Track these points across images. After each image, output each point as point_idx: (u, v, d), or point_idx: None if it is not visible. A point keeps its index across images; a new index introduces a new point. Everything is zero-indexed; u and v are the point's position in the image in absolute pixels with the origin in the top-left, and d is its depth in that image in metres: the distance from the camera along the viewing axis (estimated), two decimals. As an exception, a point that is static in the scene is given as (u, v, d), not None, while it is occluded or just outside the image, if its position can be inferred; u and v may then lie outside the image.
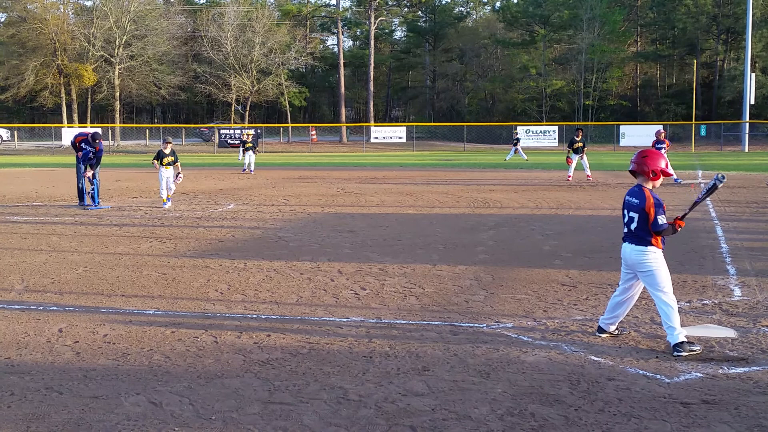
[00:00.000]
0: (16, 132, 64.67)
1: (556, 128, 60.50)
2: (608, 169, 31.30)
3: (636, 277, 6.44)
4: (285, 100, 69.82)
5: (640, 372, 5.71)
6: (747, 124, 51.69)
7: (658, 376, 5.61)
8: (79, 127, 58.89)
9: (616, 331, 6.68)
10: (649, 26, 78.71)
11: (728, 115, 63.35)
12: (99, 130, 18.45)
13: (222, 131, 61.71)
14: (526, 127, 60.23)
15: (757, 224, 14.59)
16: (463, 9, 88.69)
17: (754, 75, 51.83)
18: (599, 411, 4.95)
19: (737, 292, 8.40)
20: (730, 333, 6.70)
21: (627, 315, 6.80)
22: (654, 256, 6.24)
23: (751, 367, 5.83)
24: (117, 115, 67.64)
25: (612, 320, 6.63)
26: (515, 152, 39.54)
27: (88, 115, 67.39)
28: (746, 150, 50.69)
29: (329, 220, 15.15)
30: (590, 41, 65.46)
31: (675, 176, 22.55)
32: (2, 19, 71.91)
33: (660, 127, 26.88)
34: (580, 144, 24.84)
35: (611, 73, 68.67)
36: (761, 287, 8.58)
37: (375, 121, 74.85)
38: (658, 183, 6.41)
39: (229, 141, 59.39)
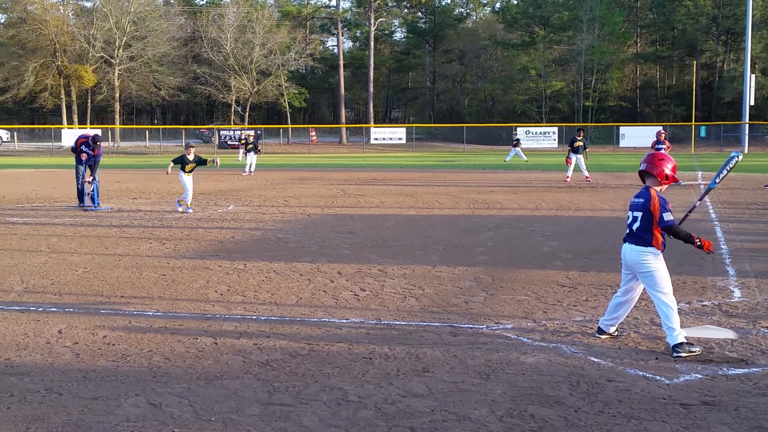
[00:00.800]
0: (15, 133, 64.71)
1: (555, 129, 60.55)
2: (608, 170, 31.32)
3: (636, 278, 6.44)
4: (285, 102, 69.86)
5: (640, 373, 5.71)
6: (747, 125, 51.71)
7: (658, 378, 5.60)
8: (79, 128, 58.95)
9: (616, 333, 6.68)
10: (648, 27, 78.75)
11: (728, 116, 63.37)
12: (100, 133, 18.43)
13: (222, 132, 61.73)
14: (525, 128, 60.26)
15: (757, 225, 14.59)
16: (462, 10, 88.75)
17: (753, 76, 51.86)
18: (599, 412, 4.94)
19: (737, 293, 8.40)
20: (730, 334, 6.69)
21: (626, 316, 6.80)
22: (653, 257, 6.24)
23: (750, 368, 5.83)
24: (117, 116, 67.67)
25: (612, 321, 6.63)
26: (514, 153, 39.54)
27: (88, 116, 67.40)
28: (746, 151, 50.67)
29: (329, 222, 15.15)
30: (590, 42, 65.51)
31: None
32: (2, 20, 71.99)
33: (660, 128, 26.89)
34: (581, 143, 24.85)
35: (611, 75, 68.72)
36: (761, 288, 8.58)
37: (375, 123, 74.86)
38: (664, 188, 6.42)
39: (229, 142, 59.43)
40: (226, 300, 8.20)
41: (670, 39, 75.81)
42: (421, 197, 20.02)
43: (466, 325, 7.10)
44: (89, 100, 68.13)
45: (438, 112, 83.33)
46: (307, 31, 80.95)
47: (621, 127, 59.37)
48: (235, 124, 68.02)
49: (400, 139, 64.18)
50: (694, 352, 6.10)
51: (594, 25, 66.62)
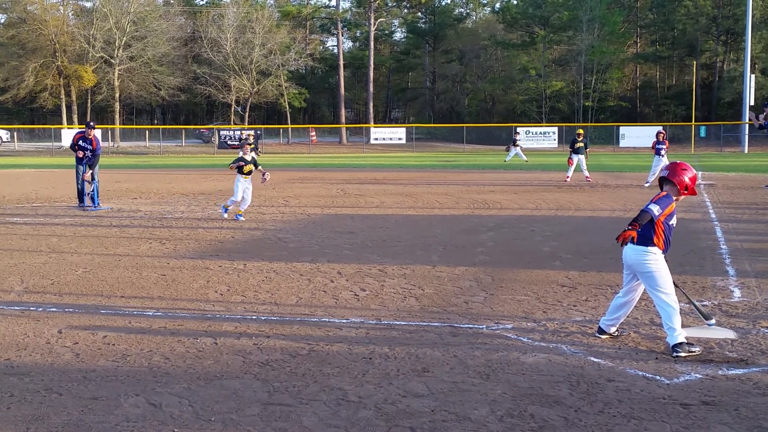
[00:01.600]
0: (15, 133, 64.70)
1: (555, 129, 60.53)
2: (608, 170, 31.31)
3: (637, 278, 6.44)
4: (285, 102, 69.85)
5: (640, 373, 5.71)
6: (747, 126, 51.68)
7: (658, 378, 5.60)
8: (78, 128, 58.93)
9: (616, 333, 6.68)
10: (648, 27, 78.75)
11: (728, 116, 63.37)
12: (91, 122, 18.25)
13: (222, 132, 61.74)
14: (525, 129, 60.24)
15: (756, 225, 14.60)
16: (462, 10, 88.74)
17: (753, 76, 51.85)
18: (599, 412, 4.94)
19: (737, 293, 8.40)
20: (730, 334, 6.69)
21: (626, 316, 6.80)
22: (654, 257, 6.24)
23: (750, 368, 5.83)
24: (117, 117, 67.66)
25: (613, 322, 6.63)
26: (514, 153, 39.54)
27: (88, 117, 67.25)
28: (746, 151, 50.72)
29: (329, 221, 15.15)
30: (590, 42, 65.51)
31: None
32: (2, 21, 71.97)
33: (660, 128, 26.91)
34: (581, 144, 24.90)
35: (611, 75, 68.70)
36: (761, 288, 8.58)
37: (375, 123, 74.87)
38: (681, 198, 6.41)
39: (229, 142, 59.43)
40: (226, 300, 8.20)
41: (670, 39, 75.81)
42: (421, 197, 20.02)
43: (466, 325, 7.11)
44: (89, 100, 68.12)
45: (438, 112, 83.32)
46: (307, 31, 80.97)
47: (621, 127, 59.35)
48: (235, 124, 68.03)
49: (400, 139, 64.18)
50: (694, 352, 6.10)
51: (594, 25, 66.61)
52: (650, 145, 25.04)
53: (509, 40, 75.61)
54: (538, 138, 59.74)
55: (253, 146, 30.80)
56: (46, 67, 65.46)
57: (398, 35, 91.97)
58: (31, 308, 7.82)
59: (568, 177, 24.90)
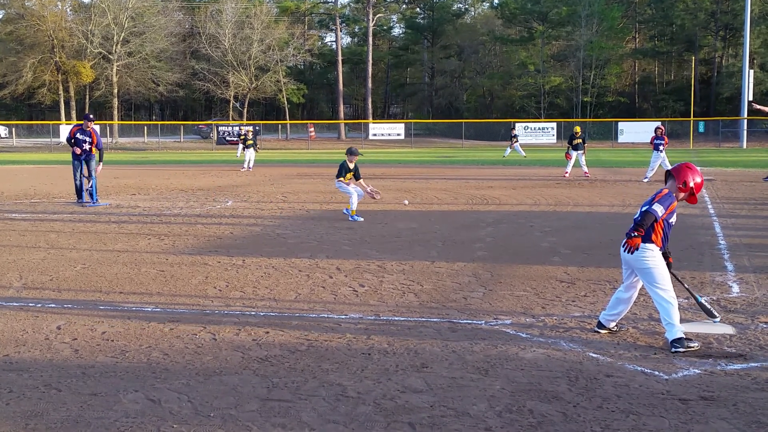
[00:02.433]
0: (14, 129, 64.67)
1: (554, 125, 60.53)
2: (607, 165, 31.31)
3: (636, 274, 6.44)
4: (283, 97, 69.82)
5: (639, 368, 5.71)
6: (745, 121, 51.73)
7: (657, 373, 5.61)
8: (76, 123, 58.85)
9: (615, 328, 6.68)
10: (647, 23, 78.75)
11: (726, 112, 63.39)
12: (90, 114, 18.18)
13: (220, 128, 61.70)
14: (524, 124, 60.23)
15: (755, 221, 14.60)
16: (461, 6, 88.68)
17: (752, 71, 51.86)
18: (598, 407, 4.95)
19: (735, 288, 8.40)
20: (728, 329, 6.70)
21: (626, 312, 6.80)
22: (651, 254, 6.24)
23: (749, 363, 5.83)
24: (115, 112, 67.61)
25: (613, 317, 6.63)
26: (513, 149, 39.58)
27: (87, 112, 67.33)
28: (744, 146, 50.74)
29: (327, 217, 15.14)
30: (588, 38, 65.49)
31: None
32: (0, 16, 71.80)
33: (659, 124, 26.91)
34: (580, 140, 24.90)
35: (609, 70, 68.72)
36: (759, 284, 8.59)
37: (373, 118, 74.86)
38: (681, 196, 6.40)
39: (228, 138, 59.39)
40: (225, 296, 8.19)
41: (669, 34, 75.81)
42: (420, 193, 20.01)
43: (465, 321, 7.11)
44: (87, 96, 68.07)
45: (436, 108, 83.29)
46: (306, 26, 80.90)
47: (619, 123, 59.39)
48: (234, 120, 67.98)
49: (398, 134, 64.17)
50: (693, 347, 6.11)
51: (592, 20, 66.60)
52: (649, 141, 25.04)
53: (508, 36, 75.57)
54: (536, 133, 59.74)
55: (252, 142, 30.98)
56: (44, 63, 65.37)
57: (397, 31, 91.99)
58: (30, 304, 7.81)
59: (566, 172, 24.90)
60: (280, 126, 72.74)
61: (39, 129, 67.60)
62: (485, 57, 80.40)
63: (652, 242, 6.24)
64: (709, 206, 16.33)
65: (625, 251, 6.26)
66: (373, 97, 78.84)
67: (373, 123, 68.07)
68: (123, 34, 63.87)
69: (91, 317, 7.29)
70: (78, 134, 17.60)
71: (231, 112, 70.71)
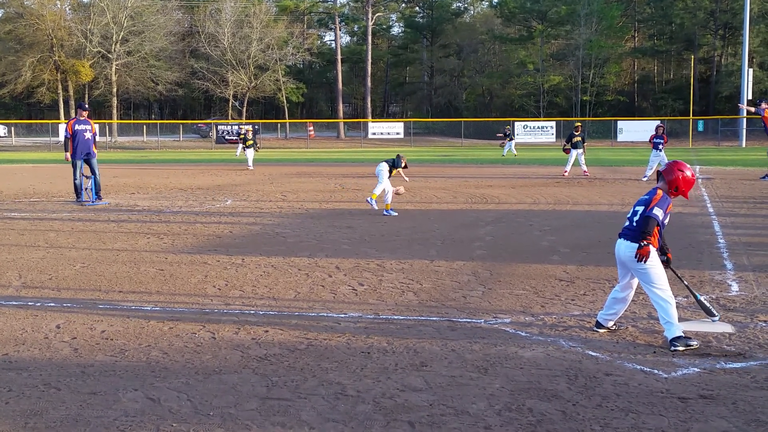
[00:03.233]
0: (13, 128, 64.63)
1: (553, 124, 60.54)
2: (606, 164, 31.31)
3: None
4: (282, 96, 69.78)
5: (638, 367, 5.72)
6: (744, 120, 51.70)
7: (656, 371, 5.61)
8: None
9: (614, 327, 6.69)
10: (646, 22, 78.72)
11: (726, 111, 63.40)
12: (84, 103, 18.07)
13: (219, 127, 61.68)
14: (523, 123, 60.23)
15: (754, 219, 14.60)
16: (460, 5, 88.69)
17: (751, 70, 51.86)
18: (597, 406, 4.95)
19: (734, 287, 8.41)
20: (728, 328, 6.70)
21: (624, 310, 6.81)
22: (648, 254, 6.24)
23: (748, 362, 5.84)
24: (114, 111, 67.60)
25: (611, 316, 6.63)
26: (504, 145, 39.98)
27: (81, 101, 67.35)
28: (744, 145, 50.72)
29: (327, 216, 15.14)
30: (588, 37, 65.47)
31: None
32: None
33: (660, 122, 26.89)
34: (579, 139, 24.88)
35: (609, 69, 68.71)
36: (758, 282, 8.59)
37: (372, 117, 74.85)
38: (673, 194, 6.41)
39: (227, 137, 59.39)
40: (224, 295, 8.19)
41: (668, 33, 75.79)
42: (419, 192, 20.01)
43: (464, 320, 7.11)
44: (86, 95, 67.98)
45: (436, 107, 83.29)
46: (305, 25, 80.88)
47: (619, 122, 59.37)
48: (233, 119, 67.96)
49: (397, 133, 64.19)
50: (692, 345, 6.11)
51: (592, 19, 66.56)
52: (648, 140, 25.04)
53: (507, 35, 75.55)
54: (536, 132, 59.73)
55: (252, 142, 30.97)
56: (43, 62, 65.33)
57: (396, 30, 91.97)
58: (29, 303, 7.81)
59: (566, 171, 24.89)
60: (279, 125, 72.72)
61: (38, 128, 67.56)
62: (484, 56, 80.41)
63: (648, 242, 6.25)
64: (709, 205, 16.34)
65: (637, 261, 6.22)
66: (372, 96, 78.82)
67: (373, 122, 68.08)
68: (122, 33, 63.84)
69: (91, 316, 7.29)
70: (77, 125, 17.53)
71: (230, 111, 70.67)
